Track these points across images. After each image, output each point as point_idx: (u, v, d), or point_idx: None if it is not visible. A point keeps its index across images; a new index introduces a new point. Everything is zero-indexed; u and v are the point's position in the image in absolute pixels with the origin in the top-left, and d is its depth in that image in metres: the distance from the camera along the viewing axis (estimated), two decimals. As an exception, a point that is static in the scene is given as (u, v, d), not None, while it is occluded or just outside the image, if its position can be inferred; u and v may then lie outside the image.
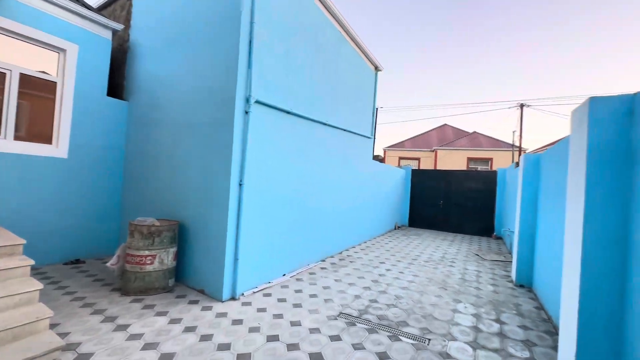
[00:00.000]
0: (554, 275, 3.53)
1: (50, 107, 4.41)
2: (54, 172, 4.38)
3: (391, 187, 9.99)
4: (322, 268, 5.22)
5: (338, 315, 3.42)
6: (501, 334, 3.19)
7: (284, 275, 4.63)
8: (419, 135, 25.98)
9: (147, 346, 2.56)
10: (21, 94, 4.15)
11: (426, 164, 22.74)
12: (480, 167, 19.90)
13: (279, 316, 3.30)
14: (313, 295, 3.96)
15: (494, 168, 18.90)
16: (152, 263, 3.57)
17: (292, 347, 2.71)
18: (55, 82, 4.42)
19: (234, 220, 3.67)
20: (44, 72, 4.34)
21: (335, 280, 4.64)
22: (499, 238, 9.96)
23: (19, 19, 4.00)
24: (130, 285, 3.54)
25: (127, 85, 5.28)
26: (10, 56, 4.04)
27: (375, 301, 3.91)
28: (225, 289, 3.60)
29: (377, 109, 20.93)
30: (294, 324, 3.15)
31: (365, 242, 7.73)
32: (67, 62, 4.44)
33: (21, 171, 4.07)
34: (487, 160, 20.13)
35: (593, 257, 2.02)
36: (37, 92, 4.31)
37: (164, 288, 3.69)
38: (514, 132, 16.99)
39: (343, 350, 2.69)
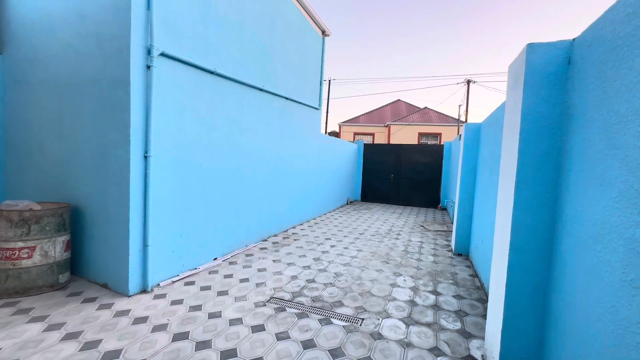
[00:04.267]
0: (487, 243, 3.52)
1: None
2: None
3: (343, 162, 9.76)
4: (261, 249, 4.81)
5: (268, 301, 3.06)
6: (436, 306, 3.10)
7: (215, 259, 4.14)
8: (374, 110, 26.10)
9: (-1, 366, 1.96)
10: None
11: (380, 139, 23.06)
12: (430, 142, 20.66)
13: (197, 308, 2.85)
14: (244, 280, 3.56)
15: (442, 142, 19.71)
16: (29, 257, 2.84)
17: (202, 345, 2.29)
18: None
19: (139, 199, 3.04)
20: None
21: (274, 260, 4.28)
22: (444, 209, 10.41)
23: None
24: (-1, 286, 2.79)
25: (0, 34, 4.10)
26: None
27: (313, 281, 3.62)
28: (132, 280, 3.03)
29: (328, 80, 20.39)
30: (212, 315, 2.73)
31: (314, 219, 7.47)
32: None
33: None
34: (436, 135, 20.93)
35: (522, 223, 1.84)
36: None
37: (51, 286, 3.00)
38: (459, 106, 17.66)
39: (263, 343, 2.35)
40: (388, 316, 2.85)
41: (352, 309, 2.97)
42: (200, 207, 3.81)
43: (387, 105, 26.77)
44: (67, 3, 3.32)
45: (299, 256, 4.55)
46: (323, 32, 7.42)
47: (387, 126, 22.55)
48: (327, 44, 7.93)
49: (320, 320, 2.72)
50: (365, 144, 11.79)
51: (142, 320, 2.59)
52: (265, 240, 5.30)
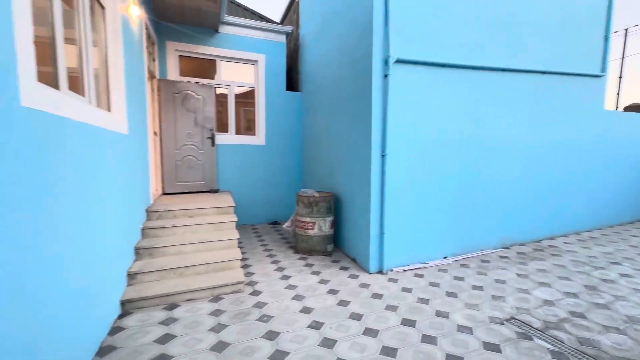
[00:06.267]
0: None
1: (252, 107, 5.91)
2: (258, 155, 5.88)
3: (652, 149, 6.26)
4: (501, 257, 4.11)
5: (507, 320, 2.58)
6: None
7: (445, 257, 4.02)
8: None
9: (296, 297, 2.98)
10: (236, 102, 5.81)
11: None
12: None
13: (424, 301, 2.91)
14: (477, 287, 3.20)
15: None
16: (312, 229, 4.10)
17: (427, 339, 2.31)
18: (254, 88, 5.84)
19: (377, 193, 3.53)
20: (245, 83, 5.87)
21: (519, 275, 3.52)
22: None
23: (231, 47, 5.53)
24: (298, 245, 4.24)
25: (300, 78, 6.19)
26: (227, 75, 5.72)
27: (582, 316, 2.63)
28: (372, 261, 3.58)
29: (625, 30, 13.63)
30: (439, 314, 2.68)
31: (589, 232, 5.37)
32: (259, 70, 5.74)
33: (241, 156, 5.75)
34: None
35: None
36: (243, 100, 5.89)
37: (323, 251, 4.16)
38: None
39: (497, 367, 2.00)
40: None
41: (665, 382, 1.86)
42: (430, 203, 3.84)
43: None
44: (332, 42, 4.44)
45: (559, 277, 3.45)
46: (612, -38, 5.08)
47: None
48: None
49: (592, 374, 1.93)
50: None
51: (377, 296, 3.01)
52: (507, 248, 4.46)
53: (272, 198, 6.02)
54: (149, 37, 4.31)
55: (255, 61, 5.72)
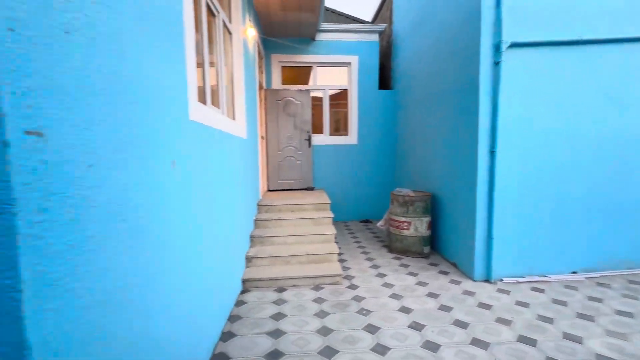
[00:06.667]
0: None
1: (344, 108, 6.11)
2: (350, 154, 6.04)
3: None
4: (661, 279, 3.20)
5: (674, 360, 2.01)
6: None
7: (574, 272, 3.37)
8: None
9: (394, 296, 2.97)
10: (330, 105, 6.11)
11: None
12: None
13: (546, 319, 2.51)
14: (624, 314, 2.59)
15: None
16: (408, 229, 4.00)
17: (554, 363, 2.00)
18: (347, 89, 6.02)
19: (484, 193, 3.21)
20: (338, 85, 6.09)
21: (692, 304, 2.69)
22: None
23: (327, 52, 5.83)
24: (392, 245, 4.20)
25: (393, 75, 6.08)
26: (322, 80, 6.05)
27: None
28: (477, 268, 3.27)
29: None
30: (569, 337, 2.28)
31: None
32: (352, 72, 5.89)
33: (333, 155, 6.01)
34: None
35: None
36: (336, 101, 6.14)
37: (419, 253, 4.01)
38: None
39: (662, 414, 1.59)
40: None
41: None
42: (553, 207, 3.27)
43: None
44: (430, 34, 4.22)
45: None
46: None
47: None
48: None
49: None
50: None
51: (485, 306, 2.74)
52: (672, 269, 3.44)
53: (364, 196, 6.10)
54: (259, 53, 4.94)
55: (349, 63, 5.89)
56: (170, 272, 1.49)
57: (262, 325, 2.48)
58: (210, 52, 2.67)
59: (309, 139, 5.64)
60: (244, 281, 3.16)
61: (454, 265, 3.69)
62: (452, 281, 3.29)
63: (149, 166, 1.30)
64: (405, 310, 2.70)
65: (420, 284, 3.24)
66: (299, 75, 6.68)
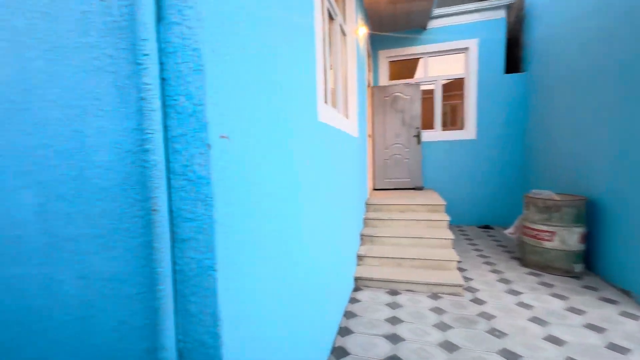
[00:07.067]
0: None
1: (460, 100, 5.47)
2: (466, 151, 5.38)
3: None
4: None
5: None
6: None
7: None
8: None
9: (535, 320, 2.46)
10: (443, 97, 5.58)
11: None
12: None
13: None
14: None
15: None
16: (550, 240, 3.27)
17: None
18: (463, 78, 5.38)
19: (685, 200, 2.31)
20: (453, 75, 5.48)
21: None
22: None
23: (439, 40, 5.35)
24: (527, 257, 3.51)
25: (524, 56, 5.09)
26: (433, 71, 5.57)
27: None
28: (669, 301, 2.40)
29: None
30: None
31: None
32: (470, 57, 5.22)
33: (446, 152, 5.47)
34: None
35: None
36: (450, 92, 5.55)
37: (566, 271, 3.23)
38: None
39: None
40: None
41: None
42: None
43: None
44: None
45: None
46: None
47: None
48: None
49: None
50: None
51: (690, 357, 1.97)
52: None
53: (482, 198, 5.35)
54: (367, 51, 4.91)
55: (466, 48, 5.25)
56: (301, 262, 1.59)
57: (379, 326, 2.43)
58: (330, 54, 2.78)
59: (418, 135, 5.29)
60: (356, 279, 3.18)
61: (627, 293, 2.80)
62: (625, 314, 2.51)
63: (293, 163, 1.41)
64: (554, 340, 2.19)
65: (571, 310, 2.59)
66: (404, 68, 6.37)
